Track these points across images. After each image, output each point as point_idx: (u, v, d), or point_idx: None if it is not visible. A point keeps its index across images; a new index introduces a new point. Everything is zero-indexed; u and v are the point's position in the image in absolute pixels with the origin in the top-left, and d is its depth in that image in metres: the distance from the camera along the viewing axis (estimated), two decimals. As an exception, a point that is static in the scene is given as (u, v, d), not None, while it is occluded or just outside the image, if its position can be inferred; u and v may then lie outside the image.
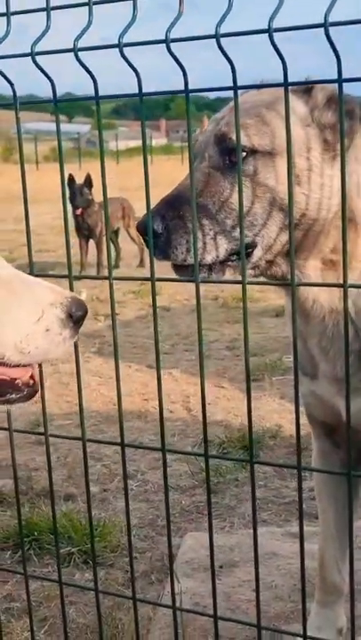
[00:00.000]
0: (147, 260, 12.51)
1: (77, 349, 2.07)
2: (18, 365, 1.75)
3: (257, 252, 2.12)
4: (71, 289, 2.02)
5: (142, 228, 2.04)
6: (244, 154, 2.08)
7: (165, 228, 2.06)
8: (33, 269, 2.04)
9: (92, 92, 1.87)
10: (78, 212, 11.96)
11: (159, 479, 4.50)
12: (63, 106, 2.04)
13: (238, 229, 1.99)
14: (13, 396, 1.80)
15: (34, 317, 1.72)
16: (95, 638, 3.00)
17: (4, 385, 1.78)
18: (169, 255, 2.10)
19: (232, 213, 2.09)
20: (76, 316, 1.77)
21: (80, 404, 2.11)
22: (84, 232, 12.33)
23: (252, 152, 2.09)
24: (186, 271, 2.14)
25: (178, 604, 2.28)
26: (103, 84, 1.86)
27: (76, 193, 11.94)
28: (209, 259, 2.09)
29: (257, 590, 2.00)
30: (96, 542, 3.35)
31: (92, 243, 12.49)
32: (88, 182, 12.14)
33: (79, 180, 12.08)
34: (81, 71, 1.82)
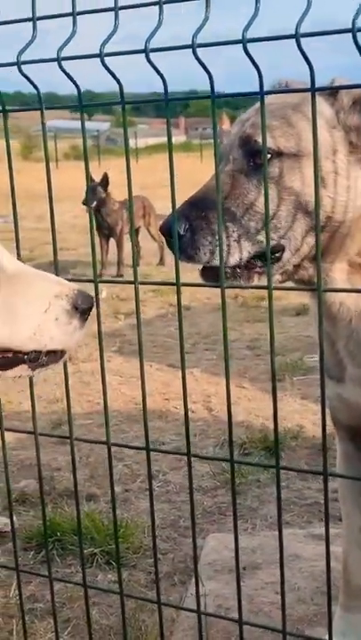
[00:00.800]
0: (167, 258, 12.53)
1: (102, 351, 2.07)
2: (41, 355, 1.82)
3: (286, 255, 2.11)
4: (96, 293, 2.02)
5: (166, 230, 2.04)
6: (270, 156, 2.07)
7: (189, 229, 2.06)
8: (58, 269, 2.04)
9: (112, 89, 1.87)
10: (93, 204, 11.95)
11: (181, 480, 4.50)
12: (85, 105, 2.04)
13: (263, 232, 1.99)
14: (44, 358, 1.84)
15: (41, 308, 1.78)
16: (118, 640, 3.01)
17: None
18: (192, 257, 2.09)
19: (256, 216, 2.09)
20: (81, 309, 1.81)
21: (105, 408, 2.11)
22: (105, 231, 12.34)
23: (278, 154, 2.08)
24: (211, 274, 2.13)
25: (202, 607, 2.28)
26: (124, 82, 1.86)
27: (89, 191, 11.97)
28: (232, 261, 2.09)
29: (282, 595, 1.99)
30: (119, 543, 3.35)
31: (112, 241, 12.50)
32: (104, 181, 12.13)
33: (97, 178, 12.07)
34: (101, 69, 1.82)
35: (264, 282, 2.03)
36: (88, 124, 2.22)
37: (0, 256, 1.79)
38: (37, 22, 1.89)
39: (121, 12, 1.80)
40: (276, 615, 2.99)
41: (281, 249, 2.11)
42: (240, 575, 2.08)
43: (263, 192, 1.83)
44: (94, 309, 1.91)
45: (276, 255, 2.10)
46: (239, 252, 2.08)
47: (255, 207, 2.09)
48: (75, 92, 1.94)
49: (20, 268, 1.84)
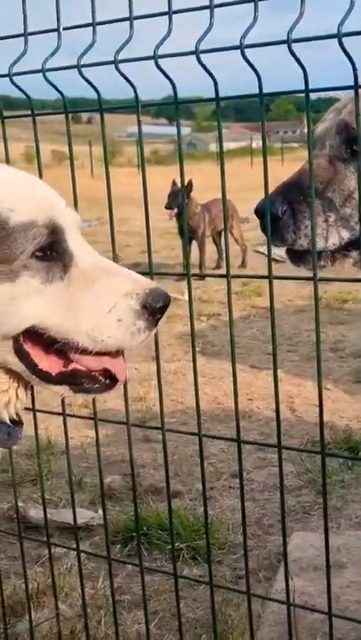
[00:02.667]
0: (248, 261, 12.53)
1: (195, 353, 2.11)
2: (92, 353, 1.76)
3: None
4: (189, 288, 2.06)
5: (261, 212, 2.05)
6: None
7: (285, 212, 2.07)
8: (152, 273, 2.09)
9: (190, 93, 1.92)
10: (169, 213, 12.06)
11: (265, 478, 4.52)
12: (165, 109, 2.11)
13: (357, 219, 2.00)
14: (90, 385, 1.80)
15: (106, 307, 1.73)
16: (204, 633, 3.04)
17: (80, 374, 1.80)
18: (286, 240, 2.10)
19: (352, 202, 2.09)
20: (152, 308, 1.74)
21: (197, 401, 2.15)
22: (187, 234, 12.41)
23: None
24: (302, 260, 2.14)
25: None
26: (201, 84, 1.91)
27: (171, 196, 12.09)
28: (328, 245, 2.10)
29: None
30: (204, 539, 3.38)
31: (194, 244, 12.56)
32: (189, 187, 12.21)
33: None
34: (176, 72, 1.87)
35: (355, 271, 2.04)
36: (169, 129, 2.26)
37: (78, 250, 1.76)
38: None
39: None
40: (362, 614, 2.98)
41: None
42: (324, 573, 2.09)
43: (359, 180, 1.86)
44: (180, 309, 1.87)
45: None
46: (334, 237, 2.09)
47: (352, 193, 2.09)
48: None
49: (98, 263, 1.80)
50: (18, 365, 1.74)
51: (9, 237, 1.65)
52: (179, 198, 11.96)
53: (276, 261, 2.18)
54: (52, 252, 1.70)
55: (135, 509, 2.44)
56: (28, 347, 1.73)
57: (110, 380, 1.82)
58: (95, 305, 1.73)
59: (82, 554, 2.75)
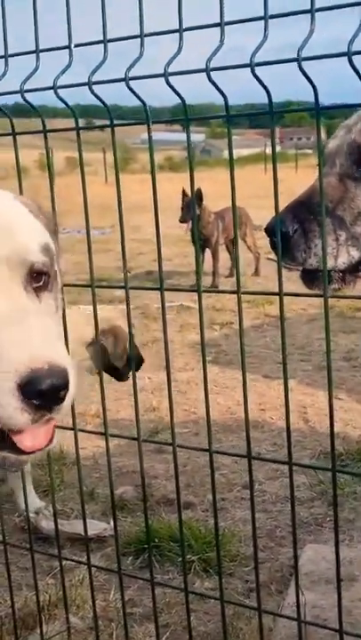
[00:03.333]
0: (261, 269, 12.52)
1: (205, 362, 2.11)
2: None
3: None
4: (200, 303, 2.06)
5: (271, 230, 2.05)
6: None
7: (296, 230, 2.07)
8: (163, 289, 2.09)
9: (202, 100, 1.94)
10: (185, 227, 12.07)
11: (277, 490, 4.51)
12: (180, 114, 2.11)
13: None
14: (5, 452, 1.64)
15: None
16: (216, 647, 3.03)
17: None
18: (297, 258, 2.10)
19: None
20: (27, 390, 1.50)
21: (207, 415, 2.15)
22: (200, 242, 12.41)
23: None
24: (315, 279, 2.14)
25: (301, 616, 2.28)
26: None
27: (185, 208, 12.10)
28: (338, 263, 2.09)
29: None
30: (215, 552, 3.38)
31: (207, 252, 12.57)
32: (199, 196, 12.19)
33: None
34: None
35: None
36: (182, 136, 2.27)
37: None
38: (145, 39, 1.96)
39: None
40: (374, 628, 2.97)
41: None
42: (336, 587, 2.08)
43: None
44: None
45: None
46: (345, 256, 2.09)
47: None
48: (167, 105, 2.02)
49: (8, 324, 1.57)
50: None
51: None
52: (190, 211, 11.97)
53: (290, 269, 2.18)
54: None
55: (146, 523, 2.44)
56: None
57: (17, 451, 1.64)
58: None
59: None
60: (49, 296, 1.72)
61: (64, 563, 2.78)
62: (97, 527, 3.93)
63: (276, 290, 1.98)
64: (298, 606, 2.16)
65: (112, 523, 3.82)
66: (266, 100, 1.88)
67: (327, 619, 3.04)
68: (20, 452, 1.63)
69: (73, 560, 3.17)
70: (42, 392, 1.49)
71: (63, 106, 2.13)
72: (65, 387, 1.53)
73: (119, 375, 4.34)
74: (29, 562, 2.97)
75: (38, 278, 1.68)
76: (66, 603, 2.79)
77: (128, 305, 2.25)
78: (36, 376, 1.48)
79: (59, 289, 1.80)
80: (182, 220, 12.06)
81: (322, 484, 4.47)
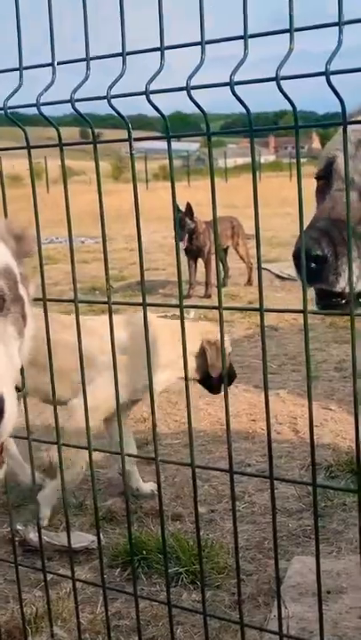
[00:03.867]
0: (255, 278, 12.53)
1: (187, 378, 2.12)
2: None
3: None
4: (182, 318, 2.07)
5: (307, 254, 2.00)
6: None
7: (331, 254, 2.03)
8: (145, 300, 2.10)
9: (193, 110, 1.96)
10: (183, 245, 12.02)
11: (266, 501, 4.51)
12: (174, 125, 2.12)
13: None
14: None
15: None
16: (202, 659, 3.03)
17: None
18: (329, 281, 2.06)
19: None
20: None
21: (189, 429, 2.15)
22: (193, 252, 12.43)
23: None
24: (328, 299, 2.12)
25: (285, 629, 2.29)
26: (213, 100, 1.92)
27: (178, 225, 12.09)
28: None
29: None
30: (204, 563, 3.38)
31: (200, 262, 12.59)
32: (189, 211, 12.19)
33: (185, 200, 12.17)
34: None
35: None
36: (178, 145, 2.29)
37: None
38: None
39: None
40: (360, 641, 2.98)
41: None
42: (323, 599, 2.09)
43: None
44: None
45: None
46: None
47: None
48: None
49: None
50: None
51: None
52: (183, 229, 11.96)
53: (282, 278, 2.18)
54: None
55: (129, 536, 2.45)
56: None
57: None
58: None
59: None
60: (5, 321, 1.71)
61: (51, 576, 2.79)
62: (85, 539, 3.93)
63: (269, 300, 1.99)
64: (280, 620, 2.17)
65: (101, 535, 3.84)
66: (262, 109, 1.90)
67: (313, 631, 3.04)
68: None
69: (57, 574, 3.17)
70: None
71: (58, 114, 2.15)
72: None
73: (212, 387, 4.79)
74: (17, 574, 2.98)
75: None
76: (50, 616, 2.80)
77: (182, 320, 2.26)
78: None
79: (25, 313, 1.79)
80: (181, 239, 12.06)
81: (310, 495, 4.47)
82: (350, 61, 1.82)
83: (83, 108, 2.12)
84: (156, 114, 1.98)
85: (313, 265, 2.00)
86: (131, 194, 2.12)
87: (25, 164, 2.74)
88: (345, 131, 1.81)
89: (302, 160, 2.03)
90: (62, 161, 2.27)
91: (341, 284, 2.05)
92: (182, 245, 12.04)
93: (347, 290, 2.04)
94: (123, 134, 2.16)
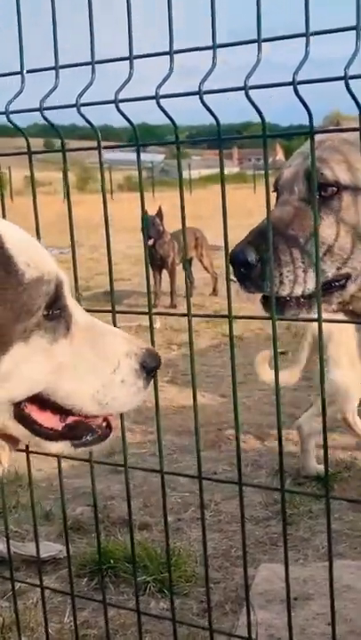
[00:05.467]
0: (220, 288, 12.58)
1: (157, 385, 2.13)
2: (95, 416, 1.71)
3: (350, 284, 2.14)
4: (151, 325, 2.08)
5: (238, 262, 2.07)
6: (335, 189, 2.11)
7: (260, 260, 2.08)
8: (115, 311, 2.11)
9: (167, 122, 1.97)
10: (150, 242, 12.08)
11: (233, 509, 4.52)
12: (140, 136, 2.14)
13: (327, 262, 2.03)
14: (89, 437, 1.74)
15: (110, 368, 1.67)
16: (170, 667, 3.03)
17: (80, 426, 1.72)
18: (262, 287, 2.11)
19: (322, 247, 2.11)
20: (148, 367, 1.70)
21: (158, 437, 2.16)
22: (157, 262, 12.45)
23: (342, 188, 2.12)
24: (279, 310, 2.15)
25: (253, 636, 2.30)
26: (177, 111, 1.94)
27: (149, 224, 12.11)
28: (299, 291, 2.11)
29: (333, 626, 2.01)
30: (171, 572, 3.39)
31: (165, 272, 12.62)
32: (160, 214, 12.26)
33: (151, 211, 12.22)
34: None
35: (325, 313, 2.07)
36: (143, 156, 2.30)
37: (73, 307, 1.67)
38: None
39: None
40: (327, 646, 2.99)
41: (347, 277, 2.14)
42: (290, 605, 2.10)
43: (326, 224, 1.89)
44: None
45: (341, 283, 2.14)
46: (305, 283, 2.11)
47: (322, 238, 2.11)
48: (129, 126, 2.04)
49: (92, 320, 1.72)
50: (18, 430, 1.65)
51: (24, 293, 1.53)
52: (154, 227, 12.00)
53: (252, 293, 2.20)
54: (57, 308, 1.60)
55: (98, 545, 2.45)
56: (27, 409, 1.63)
57: (106, 427, 1.76)
58: (99, 365, 1.66)
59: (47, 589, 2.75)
60: None
61: (18, 585, 2.78)
62: (52, 549, 3.91)
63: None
64: (249, 626, 2.18)
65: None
66: (227, 121, 1.92)
67: (281, 637, 3.06)
68: (107, 434, 1.78)
69: (25, 582, 3.15)
70: (156, 367, 1.73)
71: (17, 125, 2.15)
72: None
73: None
74: (-15, 585, 2.97)
75: None
76: (18, 626, 2.78)
77: (151, 327, 2.26)
78: (152, 353, 1.72)
79: None
80: (148, 237, 12.08)
81: (278, 503, 4.50)
82: (321, 72, 1.85)
83: (48, 117, 2.12)
84: (122, 124, 1.99)
85: (242, 270, 2.06)
86: (96, 204, 2.13)
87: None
88: (313, 139, 1.84)
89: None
90: (31, 169, 2.27)
91: (274, 289, 2.09)
92: (150, 242, 12.06)
93: (284, 294, 2.08)
94: (88, 145, 2.17)
